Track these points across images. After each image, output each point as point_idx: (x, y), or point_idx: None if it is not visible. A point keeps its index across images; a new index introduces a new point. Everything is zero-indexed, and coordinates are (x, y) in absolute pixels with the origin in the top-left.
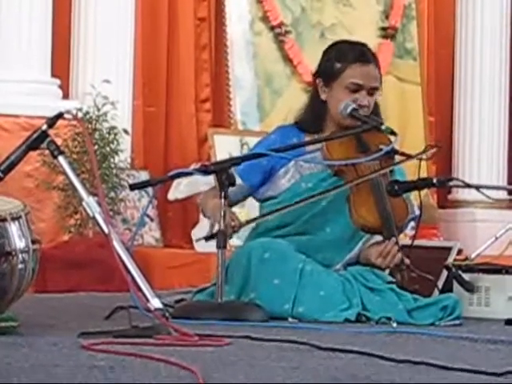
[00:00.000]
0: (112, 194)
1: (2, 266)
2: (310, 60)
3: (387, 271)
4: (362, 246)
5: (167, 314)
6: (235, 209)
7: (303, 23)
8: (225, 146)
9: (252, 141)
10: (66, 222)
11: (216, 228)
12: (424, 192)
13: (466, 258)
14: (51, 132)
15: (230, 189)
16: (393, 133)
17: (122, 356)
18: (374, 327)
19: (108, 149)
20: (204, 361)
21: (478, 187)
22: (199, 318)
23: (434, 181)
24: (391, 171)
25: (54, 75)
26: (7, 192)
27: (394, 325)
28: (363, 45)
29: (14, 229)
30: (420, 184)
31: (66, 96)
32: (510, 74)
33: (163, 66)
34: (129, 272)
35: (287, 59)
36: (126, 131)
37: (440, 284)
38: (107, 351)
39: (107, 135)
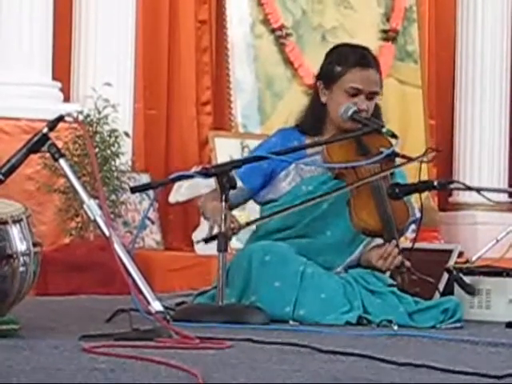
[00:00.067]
0: (113, 197)
1: (3, 268)
2: (311, 63)
3: (388, 274)
4: (363, 249)
5: (168, 317)
6: (235, 211)
7: (304, 26)
8: (225, 149)
9: (253, 144)
10: (67, 224)
11: (215, 230)
12: (425, 195)
13: (467, 261)
14: (52, 135)
15: (231, 191)
16: (394, 135)
17: (122, 359)
18: (375, 330)
19: (109, 151)
20: (205, 363)
21: (478, 190)
22: (200, 321)
23: (435, 183)
24: (392, 174)
25: (54, 78)
26: (8, 195)
27: (395, 327)
28: (365, 48)
29: (15, 232)
30: (421, 187)
31: (66, 99)
32: (511, 77)
33: (164, 69)
34: (130, 275)
35: (288, 62)
36: (126, 134)
37: (441, 287)
38: (108, 354)
39: (108, 138)
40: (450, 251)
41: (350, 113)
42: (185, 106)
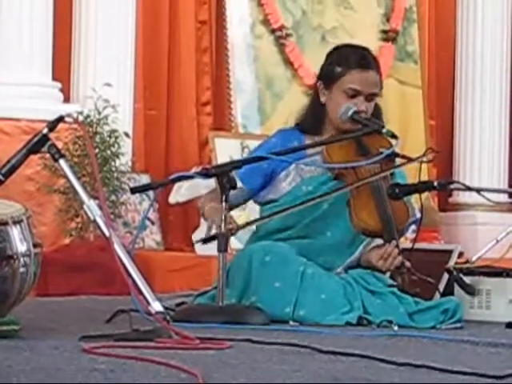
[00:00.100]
0: (113, 198)
1: (3, 269)
2: (311, 63)
3: (388, 274)
4: (363, 249)
5: (168, 318)
6: (236, 212)
7: (304, 26)
8: (225, 150)
9: (253, 144)
10: (67, 225)
11: (213, 231)
12: (425, 195)
13: (467, 261)
14: (52, 135)
15: (231, 192)
16: (394, 136)
17: (122, 359)
18: (375, 330)
19: (109, 152)
20: (205, 364)
21: (478, 190)
22: (200, 322)
23: (435, 184)
24: (392, 174)
25: (54, 78)
26: (8, 195)
27: (395, 328)
28: (366, 50)
29: (15, 232)
30: (421, 187)
31: (66, 99)
32: (511, 77)
33: (164, 69)
34: (130, 275)
35: (288, 62)
36: (126, 134)
37: (441, 287)
38: (108, 354)
39: (108, 138)
40: (450, 251)
41: (350, 113)
42: (185, 107)
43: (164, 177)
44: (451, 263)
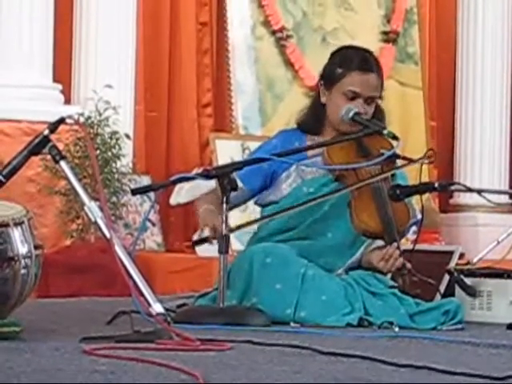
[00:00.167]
0: (114, 199)
1: (4, 271)
2: (312, 64)
3: (389, 276)
4: (364, 250)
5: (169, 319)
6: (236, 212)
7: (305, 28)
8: (226, 151)
9: (253, 145)
10: (68, 226)
11: (205, 233)
12: (425, 196)
13: (468, 263)
14: (53, 137)
15: (232, 193)
16: (395, 137)
17: (123, 361)
18: (376, 332)
19: (110, 154)
20: (206, 365)
21: (479, 191)
22: (201, 323)
23: (436, 185)
24: (393, 176)
25: (55, 80)
26: (9, 197)
27: (396, 329)
28: (368, 52)
29: (16, 234)
30: (421, 188)
31: (67, 101)
32: None
33: (165, 71)
34: (131, 277)
35: (289, 64)
36: (127, 136)
37: (442, 288)
38: (109, 356)
39: (109, 140)
40: (450, 253)
41: (351, 114)
42: (185, 108)
43: (165, 178)
44: (452, 264)
